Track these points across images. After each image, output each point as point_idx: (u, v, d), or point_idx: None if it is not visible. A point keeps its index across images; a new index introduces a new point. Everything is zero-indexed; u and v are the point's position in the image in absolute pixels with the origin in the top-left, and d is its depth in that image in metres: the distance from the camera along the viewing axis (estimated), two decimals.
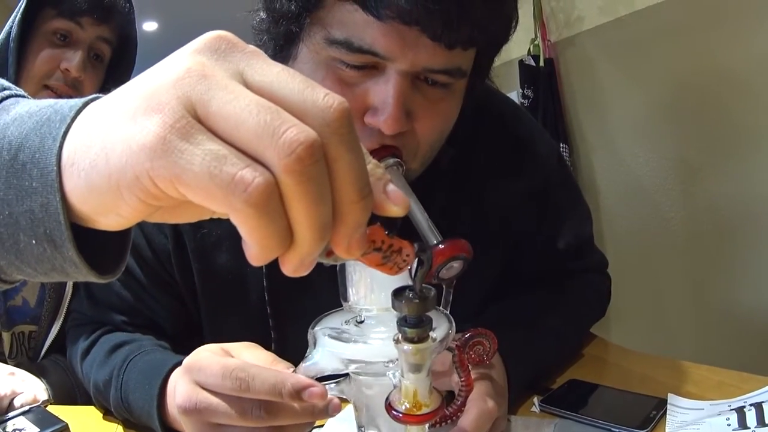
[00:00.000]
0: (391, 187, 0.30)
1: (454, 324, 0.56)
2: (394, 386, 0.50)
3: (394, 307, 0.45)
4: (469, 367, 0.59)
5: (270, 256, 0.28)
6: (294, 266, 0.29)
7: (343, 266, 0.56)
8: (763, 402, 0.63)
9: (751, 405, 0.64)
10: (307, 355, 0.54)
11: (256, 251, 0.27)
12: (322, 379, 0.57)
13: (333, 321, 0.57)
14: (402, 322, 0.45)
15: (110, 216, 0.29)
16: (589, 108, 1.75)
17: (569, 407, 0.70)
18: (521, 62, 1.91)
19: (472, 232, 0.67)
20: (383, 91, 0.58)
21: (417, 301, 0.44)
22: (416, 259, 0.38)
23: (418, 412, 0.46)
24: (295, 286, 0.76)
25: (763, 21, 1.21)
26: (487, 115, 0.83)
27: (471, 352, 0.60)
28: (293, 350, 0.78)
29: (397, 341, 0.45)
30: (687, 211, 1.52)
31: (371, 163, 0.29)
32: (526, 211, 0.84)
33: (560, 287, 0.87)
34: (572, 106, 1.80)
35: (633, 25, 1.57)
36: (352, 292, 0.55)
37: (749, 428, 0.60)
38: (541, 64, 1.88)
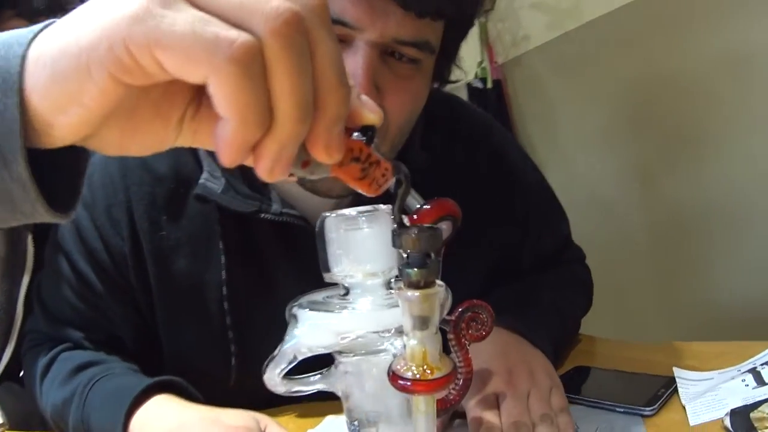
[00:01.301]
0: (364, 96, 0.31)
1: (450, 293, 0.50)
2: (395, 356, 0.43)
3: (395, 244, 0.39)
4: (467, 346, 0.53)
5: (248, 136, 0.26)
6: (271, 158, 0.27)
7: (321, 232, 0.50)
8: None
9: (762, 364, 0.60)
10: (286, 335, 0.47)
11: (233, 127, 0.26)
12: (304, 369, 0.50)
13: (313, 297, 0.50)
14: (405, 265, 0.39)
15: (72, 110, 0.27)
16: (540, 125, 1.76)
17: (575, 391, 0.66)
18: (469, 85, 1.93)
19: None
20: (352, 63, 0.57)
21: (423, 234, 0.38)
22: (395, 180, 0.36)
23: (431, 377, 0.39)
24: (257, 291, 0.70)
25: (707, 25, 1.25)
26: (463, 123, 0.84)
27: (467, 329, 0.54)
28: (256, 365, 0.72)
29: (399, 290, 0.39)
30: (647, 216, 1.53)
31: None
32: (507, 222, 0.83)
33: (547, 273, 0.86)
34: (522, 125, 1.81)
35: (580, 38, 1.61)
36: (333, 259, 0.48)
37: None
38: (489, 86, 1.91)
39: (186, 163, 0.69)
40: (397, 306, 0.45)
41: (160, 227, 0.68)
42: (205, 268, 0.69)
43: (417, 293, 0.39)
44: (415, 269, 0.38)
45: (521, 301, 0.77)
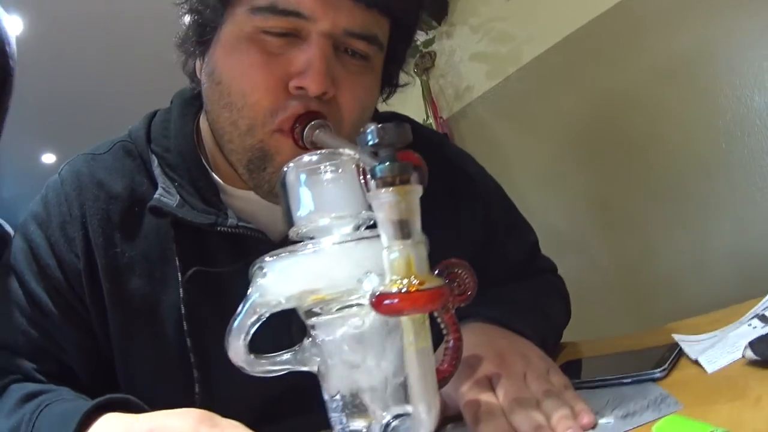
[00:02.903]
0: None
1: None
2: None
3: (359, 141, 0.35)
4: (452, 310, 0.47)
5: None
6: None
7: (284, 182, 0.45)
8: None
9: (765, 308, 0.56)
10: (249, 291, 0.41)
11: None
12: (270, 345, 0.43)
13: (277, 252, 0.44)
14: (377, 164, 0.34)
15: None
16: (490, 170, 1.78)
17: (574, 377, 0.59)
18: None
19: None
20: (307, 53, 0.59)
21: (388, 126, 0.34)
22: None
23: (421, 288, 0.33)
24: (217, 310, 0.64)
25: (638, 42, 1.31)
26: (417, 135, 0.84)
27: (450, 288, 0.48)
28: (222, 391, 0.64)
29: (371, 193, 0.34)
30: (606, 238, 1.52)
31: None
32: (470, 227, 0.81)
33: (520, 281, 0.82)
34: None
35: (521, 80, 1.66)
36: (298, 206, 0.43)
37: None
38: None
39: (141, 182, 0.68)
40: (369, 238, 0.40)
41: (115, 244, 0.66)
42: (161, 288, 0.66)
43: (393, 192, 0.34)
44: (387, 164, 0.34)
45: (499, 300, 0.72)
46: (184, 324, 0.65)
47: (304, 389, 0.51)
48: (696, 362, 0.53)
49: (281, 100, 0.59)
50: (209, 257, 0.66)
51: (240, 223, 0.65)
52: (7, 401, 0.61)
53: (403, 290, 0.33)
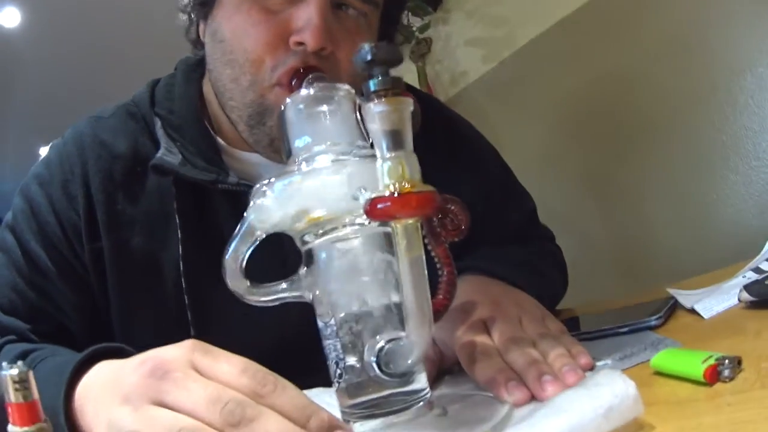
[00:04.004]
0: None
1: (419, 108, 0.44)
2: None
3: (355, 61, 0.34)
4: (445, 243, 0.46)
5: None
6: None
7: (283, 115, 0.44)
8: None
9: (764, 260, 0.56)
10: (245, 213, 0.41)
11: None
12: (266, 275, 0.42)
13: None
14: (369, 78, 0.34)
15: None
16: None
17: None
18: None
19: None
20: (306, 10, 0.60)
21: (380, 44, 0.34)
22: None
23: (414, 190, 0.33)
24: (216, 270, 0.63)
25: (637, 23, 1.31)
26: (417, 97, 0.86)
27: (442, 227, 0.46)
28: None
29: (365, 108, 0.34)
30: (604, 218, 1.52)
31: None
32: (469, 192, 0.79)
33: (517, 245, 0.81)
34: None
35: (516, 63, 1.66)
36: (295, 139, 0.43)
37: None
38: None
39: (143, 143, 0.68)
40: (364, 157, 0.39)
41: (116, 202, 0.67)
42: (161, 246, 0.66)
43: (386, 104, 0.33)
44: (379, 78, 0.34)
45: (496, 257, 0.72)
46: (183, 281, 0.65)
47: (303, 350, 0.51)
48: (692, 310, 0.53)
49: (281, 55, 0.60)
50: (210, 215, 0.67)
51: (241, 181, 0.66)
52: (1, 360, 0.60)
53: (395, 194, 0.33)
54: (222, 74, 0.64)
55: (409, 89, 0.91)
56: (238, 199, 0.65)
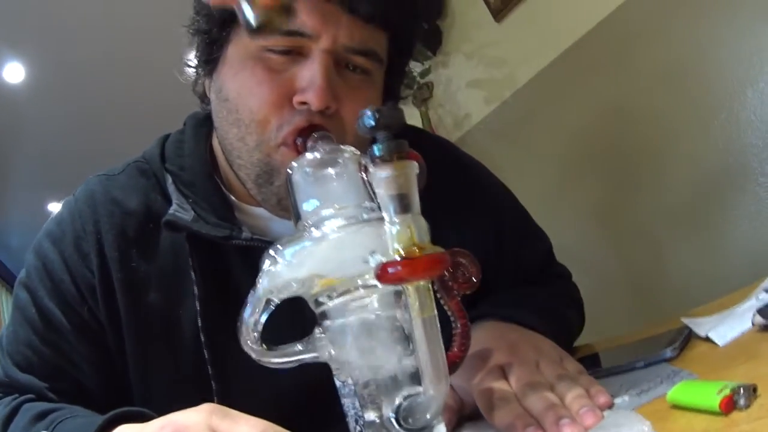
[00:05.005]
0: None
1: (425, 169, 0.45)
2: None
3: (359, 127, 0.37)
4: (457, 296, 0.47)
5: None
6: None
7: (290, 178, 0.47)
8: None
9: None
10: (258, 280, 0.42)
11: None
12: (281, 337, 0.44)
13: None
14: (374, 142, 0.36)
15: None
16: None
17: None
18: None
19: None
20: (310, 70, 0.61)
21: (383, 108, 0.36)
22: None
23: (423, 253, 0.35)
24: (234, 324, 0.65)
25: (633, 53, 1.34)
26: (425, 139, 0.86)
27: (453, 279, 0.48)
28: (240, 403, 0.64)
29: (370, 171, 0.36)
30: (614, 249, 1.52)
31: None
32: (482, 243, 0.80)
33: (533, 286, 0.82)
34: None
35: (518, 102, 1.70)
36: (303, 203, 0.45)
37: None
38: None
39: (155, 200, 0.69)
40: (372, 221, 0.41)
41: (131, 259, 0.67)
42: (178, 302, 0.67)
43: (391, 168, 0.36)
44: (384, 143, 0.36)
45: (510, 300, 0.72)
46: (201, 336, 0.65)
47: (325, 402, 0.52)
48: (707, 338, 0.54)
49: (286, 114, 0.61)
50: (225, 270, 0.67)
51: (254, 236, 0.66)
52: (20, 420, 0.61)
53: (405, 258, 0.34)
54: (228, 133, 0.65)
55: (419, 132, 0.92)
56: (252, 254, 0.65)
